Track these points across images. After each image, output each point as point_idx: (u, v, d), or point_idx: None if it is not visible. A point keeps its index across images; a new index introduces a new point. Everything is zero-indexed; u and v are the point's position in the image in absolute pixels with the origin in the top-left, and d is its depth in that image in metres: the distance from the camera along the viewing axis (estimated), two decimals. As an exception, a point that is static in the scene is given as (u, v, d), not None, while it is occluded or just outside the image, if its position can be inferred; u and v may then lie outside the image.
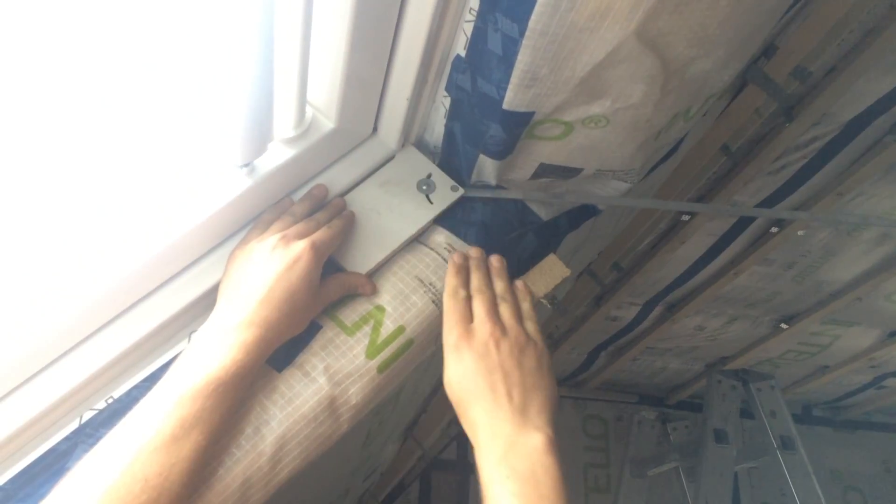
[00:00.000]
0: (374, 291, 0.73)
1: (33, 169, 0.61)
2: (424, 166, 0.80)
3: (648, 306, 2.39)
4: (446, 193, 0.79)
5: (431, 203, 0.78)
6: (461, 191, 0.79)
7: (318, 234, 0.69)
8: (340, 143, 0.77)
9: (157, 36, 0.61)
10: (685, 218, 1.78)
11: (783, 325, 2.44)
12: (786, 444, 1.95)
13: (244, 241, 0.69)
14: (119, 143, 0.65)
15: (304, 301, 0.66)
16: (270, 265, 0.65)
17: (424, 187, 0.78)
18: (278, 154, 0.71)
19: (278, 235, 0.67)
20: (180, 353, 0.63)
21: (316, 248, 0.67)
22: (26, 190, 0.61)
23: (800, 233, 1.85)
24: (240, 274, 0.66)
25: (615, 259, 1.84)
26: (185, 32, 0.60)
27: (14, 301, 0.59)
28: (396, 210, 0.77)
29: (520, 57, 0.59)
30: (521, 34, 0.57)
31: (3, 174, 0.59)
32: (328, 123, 0.74)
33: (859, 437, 3.55)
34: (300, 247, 0.66)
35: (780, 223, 1.84)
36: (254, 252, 0.67)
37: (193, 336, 0.63)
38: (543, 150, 0.74)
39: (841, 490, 3.41)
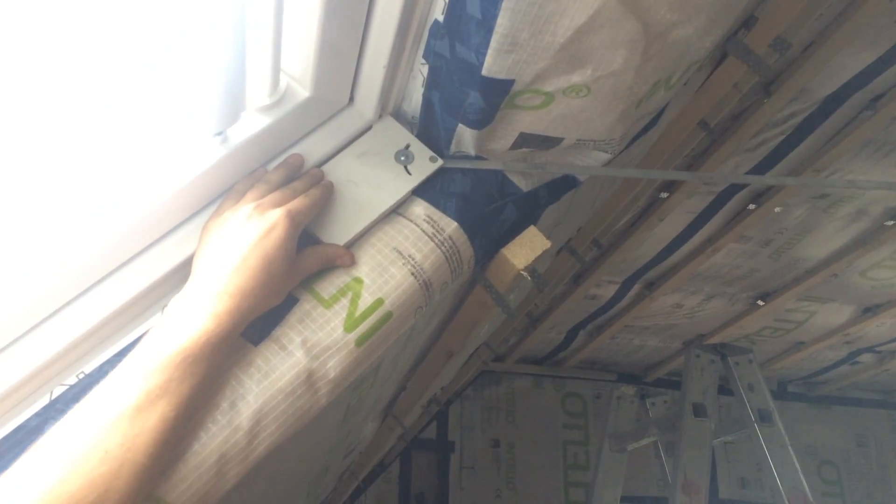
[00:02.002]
0: (353, 263, 0.72)
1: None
2: (402, 137, 0.79)
3: (627, 284, 2.41)
4: (425, 164, 0.78)
5: (410, 174, 0.77)
6: (440, 161, 0.78)
7: (295, 203, 0.67)
8: (316, 113, 0.75)
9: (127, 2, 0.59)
10: (663, 195, 1.78)
11: (760, 302, 2.47)
12: (763, 417, 1.97)
13: (218, 212, 0.68)
14: (87, 111, 0.63)
15: (280, 271, 0.64)
16: (245, 234, 0.63)
17: (403, 158, 0.77)
18: (252, 123, 0.69)
19: (253, 204, 0.66)
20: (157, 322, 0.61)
21: (292, 217, 0.65)
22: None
23: (777, 209, 1.86)
24: (213, 244, 0.64)
25: (594, 236, 1.84)
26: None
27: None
28: (374, 181, 0.76)
29: (499, 20, 0.58)
30: (501, -4, 0.55)
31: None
32: (303, 92, 0.72)
33: (834, 413, 3.62)
34: (276, 215, 0.65)
35: (757, 200, 1.85)
36: (228, 221, 0.65)
37: (166, 308, 0.62)
38: (524, 120, 0.73)
39: (816, 464, 3.48)
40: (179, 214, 0.68)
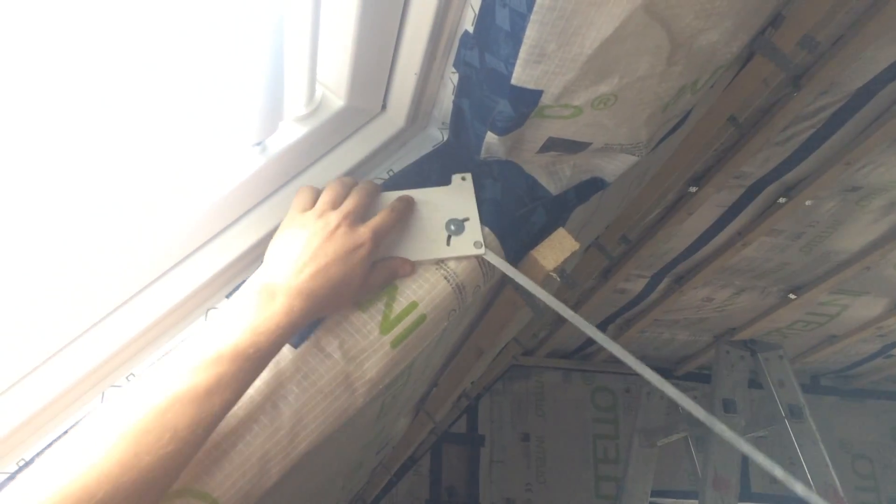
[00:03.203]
0: (412, 272, 0.73)
1: (54, 153, 0.62)
2: (468, 208, 0.78)
3: (656, 278, 2.40)
4: (467, 245, 0.76)
5: (448, 245, 0.76)
6: (482, 250, 0.76)
7: (380, 221, 0.69)
8: (350, 121, 0.77)
9: (170, 20, 0.61)
10: (692, 190, 1.78)
11: (791, 296, 2.44)
12: (794, 412, 1.96)
13: (300, 209, 0.70)
14: (133, 125, 0.65)
15: (354, 285, 0.67)
16: (331, 243, 0.66)
17: (452, 227, 0.76)
18: (290, 132, 0.72)
19: (341, 214, 0.68)
20: (202, 326, 0.64)
21: (376, 238, 0.68)
22: (56, 172, 0.62)
23: (808, 202, 1.85)
24: (295, 239, 0.67)
25: (623, 232, 1.85)
26: (198, 15, 0.61)
27: (36, 280, 0.60)
28: (416, 232, 0.76)
29: (528, 32, 0.59)
30: (529, 9, 0.57)
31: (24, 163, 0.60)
32: (338, 101, 0.75)
33: (867, 406, 3.57)
34: (363, 233, 0.67)
35: (788, 193, 1.84)
36: (312, 223, 0.67)
37: (239, 289, 0.65)
38: (552, 126, 0.74)
39: (850, 458, 3.44)
40: (221, 221, 0.70)
